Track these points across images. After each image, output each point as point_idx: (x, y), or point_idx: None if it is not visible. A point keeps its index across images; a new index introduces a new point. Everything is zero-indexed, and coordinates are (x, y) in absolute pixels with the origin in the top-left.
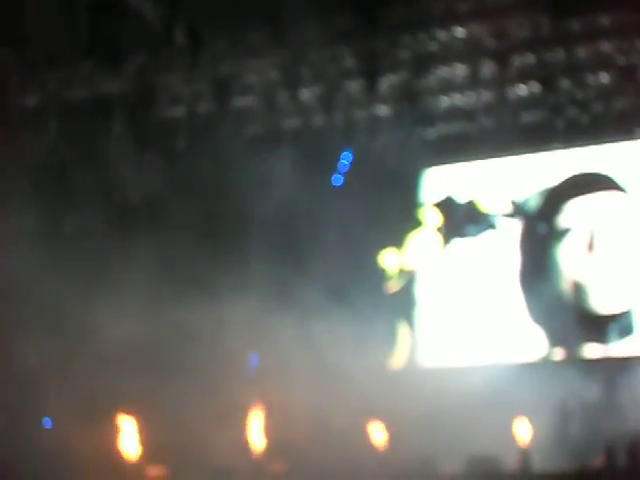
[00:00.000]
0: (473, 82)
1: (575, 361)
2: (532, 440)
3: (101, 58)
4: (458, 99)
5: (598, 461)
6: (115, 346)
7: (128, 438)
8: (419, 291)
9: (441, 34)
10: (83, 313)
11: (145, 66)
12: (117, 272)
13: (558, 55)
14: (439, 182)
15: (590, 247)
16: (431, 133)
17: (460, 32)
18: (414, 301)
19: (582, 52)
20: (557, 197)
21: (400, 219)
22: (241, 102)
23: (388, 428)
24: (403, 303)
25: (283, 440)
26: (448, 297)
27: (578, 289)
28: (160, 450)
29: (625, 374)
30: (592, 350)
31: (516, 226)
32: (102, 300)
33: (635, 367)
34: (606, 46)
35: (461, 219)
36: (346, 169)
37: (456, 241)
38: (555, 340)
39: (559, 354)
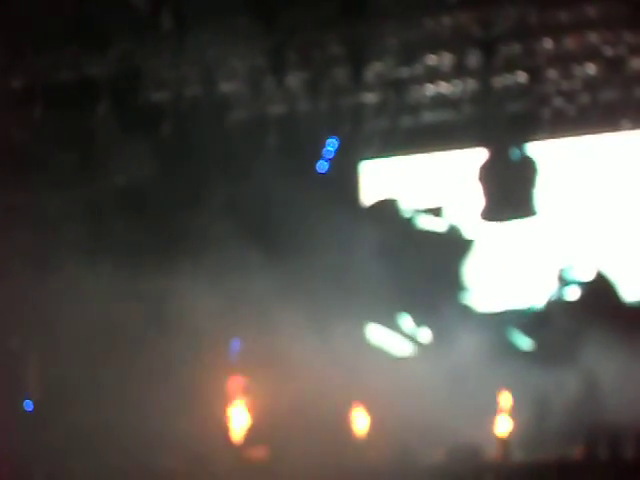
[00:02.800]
0: (459, 71)
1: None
2: (512, 430)
3: (87, 42)
4: (444, 88)
5: (578, 452)
6: (94, 331)
7: (108, 424)
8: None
9: (428, 22)
10: (65, 297)
11: (131, 50)
12: (98, 255)
13: (545, 45)
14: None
15: None
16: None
17: (447, 20)
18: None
19: (569, 43)
20: None
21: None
22: (227, 87)
23: (370, 417)
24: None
25: (264, 427)
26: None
27: None
28: (140, 437)
29: (606, 364)
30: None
31: None
32: (78, 284)
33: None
34: (593, 37)
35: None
36: (331, 156)
37: None
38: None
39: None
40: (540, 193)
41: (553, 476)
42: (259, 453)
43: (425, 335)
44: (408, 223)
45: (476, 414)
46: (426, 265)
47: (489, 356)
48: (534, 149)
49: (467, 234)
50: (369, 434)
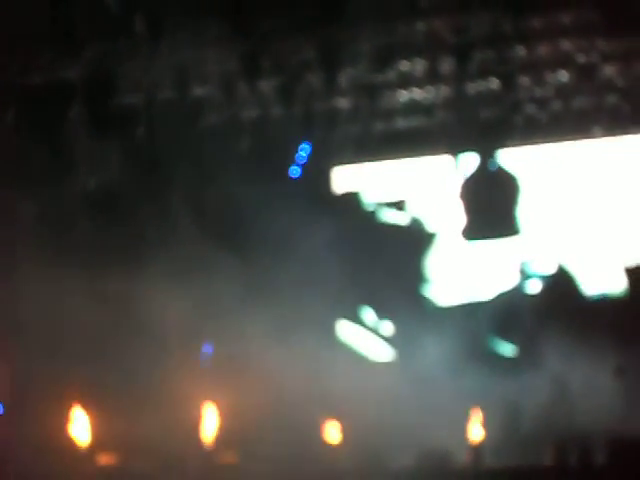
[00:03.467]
0: (432, 77)
1: None
2: (483, 436)
3: (60, 45)
4: (417, 93)
5: (548, 458)
6: (64, 333)
7: (78, 426)
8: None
9: (401, 28)
10: (33, 298)
11: (104, 53)
12: (66, 257)
13: (518, 52)
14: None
15: None
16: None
17: (420, 26)
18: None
19: (542, 50)
20: None
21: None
22: (200, 91)
23: (340, 422)
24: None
25: (234, 432)
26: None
27: None
28: (110, 438)
29: (576, 369)
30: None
31: None
32: (51, 286)
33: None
34: (566, 44)
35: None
36: (304, 161)
37: None
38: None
39: None
40: (522, 211)
41: None
42: (229, 457)
43: (387, 329)
44: (371, 216)
45: (446, 418)
46: (388, 258)
47: (457, 357)
48: (507, 156)
49: (429, 227)
50: (339, 438)
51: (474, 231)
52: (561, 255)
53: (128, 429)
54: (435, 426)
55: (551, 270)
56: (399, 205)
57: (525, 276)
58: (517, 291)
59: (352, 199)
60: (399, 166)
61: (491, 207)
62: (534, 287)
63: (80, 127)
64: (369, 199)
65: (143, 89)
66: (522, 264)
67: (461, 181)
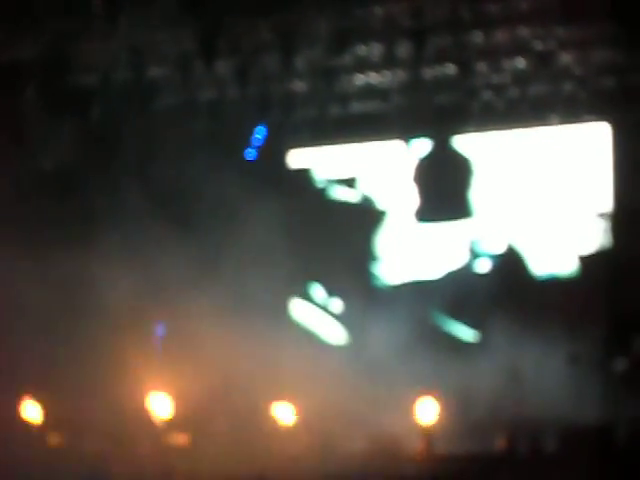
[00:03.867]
0: (389, 61)
1: None
2: (435, 422)
3: (17, 23)
4: (373, 78)
5: (500, 445)
6: (13, 313)
7: (29, 406)
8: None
9: (358, 11)
10: None
11: (60, 33)
12: (24, 240)
13: (475, 38)
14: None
15: None
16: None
17: (377, 10)
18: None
19: (499, 36)
20: None
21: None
22: (156, 72)
23: (294, 406)
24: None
25: (186, 413)
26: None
27: None
28: (61, 418)
29: (529, 358)
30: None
31: None
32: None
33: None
34: (523, 31)
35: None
36: (260, 143)
37: None
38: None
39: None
40: (474, 194)
41: (475, 468)
42: (180, 439)
43: (337, 306)
44: (322, 194)
45: (398, 402)
46: (339, 235)
47: (407, 337)
48: (463, 142)
49: (380, 206)
50: (289, 420)
51: (427, 213)
52: (511, 235)
53: (79, 410)
54: (387, 410)
55: (500, 250)
56: (350, 183)
57: (474, 255)
58: (466, 270)
59: (303, 177)
60: (354, 149)
61: (444, 190)
62: (483, 266)
63: (34, 106)
64: (320, 177)
65: (98, 69)
66: (472, 243)
67: (415, 164)
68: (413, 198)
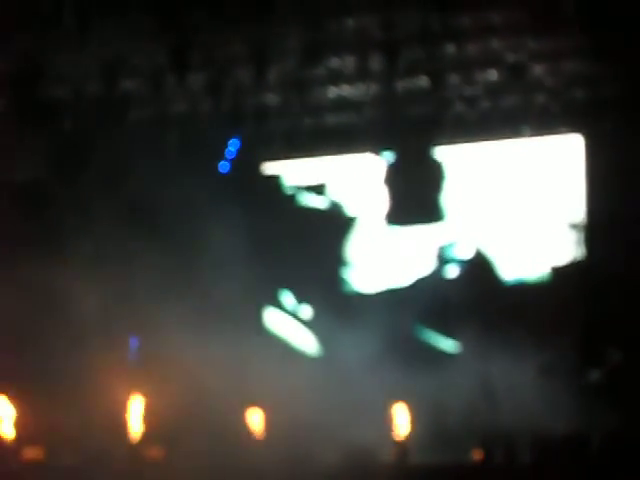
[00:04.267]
0: (361, 74)
1: None
2: (410, 433)
3: None
4: (346, 90)
5: (475, 455)
6: None
7: (3, 420)
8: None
9: (330, 24)
10: None
11: (33, 46)
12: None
13: (447, 50)
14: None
15: None
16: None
17: (349, 23)
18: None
19: (471, 48)
20: None
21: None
22: (128, 85)
23: (267, 418)
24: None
25: (160, 427)
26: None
27: None
28: (36, 432)
29: (503, 368)
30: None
31: None
32: None
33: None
34: (495, 43)
35: None
36: (232, 156)
37: None
38: None
39: None
40: (447, 198)
41: (449, 479)
42: (154, 452)
43: (308, 314)
44: (291, 201)
45: (371, 415)
46: (307, 242)
47: (379, 346)
48: (436, 154)
49: (349, 211)
50: (264, 434)
51: (397, 216)
52: (481, 242)
53: (53, 423)
54: (359, 420)
55: (470, 256)
56: (319, 190)
57: (444, 261)
58: (437, 277)
59: (275, 187)
60: (326, 161)
61: (414, 193)
62: (453, 272)
63: (5, 118)
64: (290, 186)
65: (70, 82)
66: (441, 249)
67: (386, 168)
68: (383, 201)
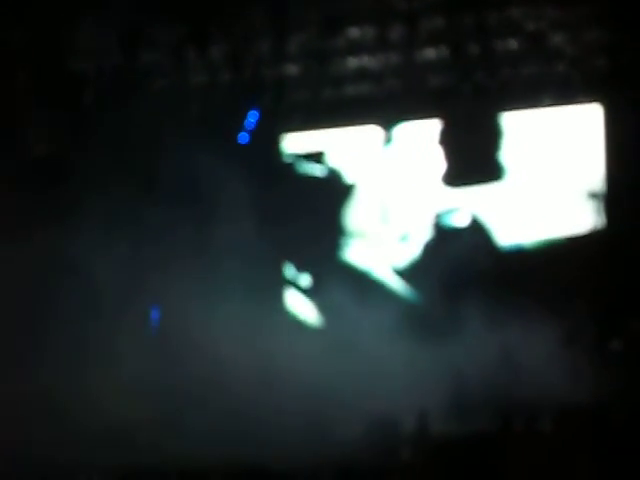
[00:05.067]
0: (382, 44)
1: None
2: (429, 404)
3: (5, 8)
4: (366, 61)
5: (495, 425)
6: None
7: None
8: None
9: None
10: None
11: (51, 18)
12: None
13: (467, 19)
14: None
15: None
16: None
17: None
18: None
19: (492, 17)
20: None
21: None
22: (148, 57)
23: (283, 390)
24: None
25: (179, 398)
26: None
27: None
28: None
29: (522, 338)
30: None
31: None
32: None
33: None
34: (515, 12)
35: None
36: (252, 127)
37: None
38: None
39: None
40: (506, 156)
41: (471, 449)
42: (173, 424)
43: (306, 281)
44: (289, 168)
45: (394, 386)
46: (306, 210)
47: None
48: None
49: (348, 179)
50: (283, 406)
51: (455, 177)
52: (474, 206)
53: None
54: (382, 394)
55: (465, 222)
56: (317, 157)
57: (440, 228)
58: (433, 244)
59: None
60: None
61: (473, 152)
62: (450, 238)
63: (25, 92)
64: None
65: (91, 55)
66: (437, 216)
67: (440, 126)
68: (440, 162)
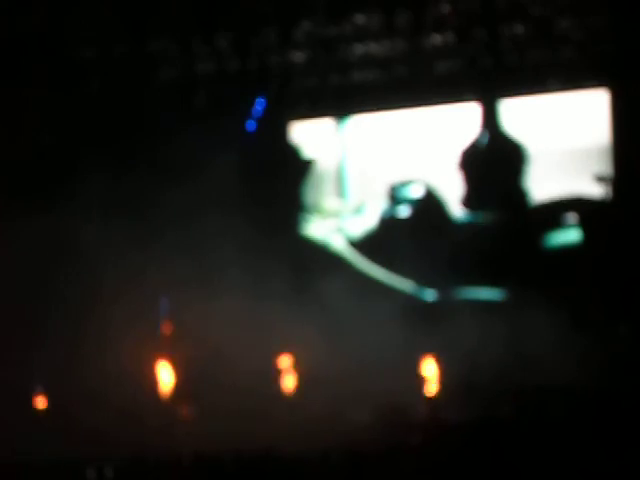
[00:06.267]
0: (388, 30)
1: None
2: (440, 389)
3: None
4: (373, 47)
5: (506, 410)
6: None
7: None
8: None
9: None
10: None
11: (58, 5)
12: (28, 214)
13: (473, 5)
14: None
15: None
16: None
17: None
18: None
19: (498, 2)
20: None
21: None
22: (155, 45)
23: (299, 375)
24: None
25: (191, 384)
26: None
27: None
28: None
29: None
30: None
31: None
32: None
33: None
34: None
35: None
36: (259, 115)
37: None
38: None
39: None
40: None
41: (481, 435)
42: (185, 410)
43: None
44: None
45: (403, 373)
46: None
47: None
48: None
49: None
50: (298, 392)
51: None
52: (429, 178)
53: (86, 382)
54: (394, 380)
55: (419, 194)
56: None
57: (395, 201)
58: (387, 216)
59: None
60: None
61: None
62: (403, 212)
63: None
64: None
65: (98, 42)
66: (392, 189)
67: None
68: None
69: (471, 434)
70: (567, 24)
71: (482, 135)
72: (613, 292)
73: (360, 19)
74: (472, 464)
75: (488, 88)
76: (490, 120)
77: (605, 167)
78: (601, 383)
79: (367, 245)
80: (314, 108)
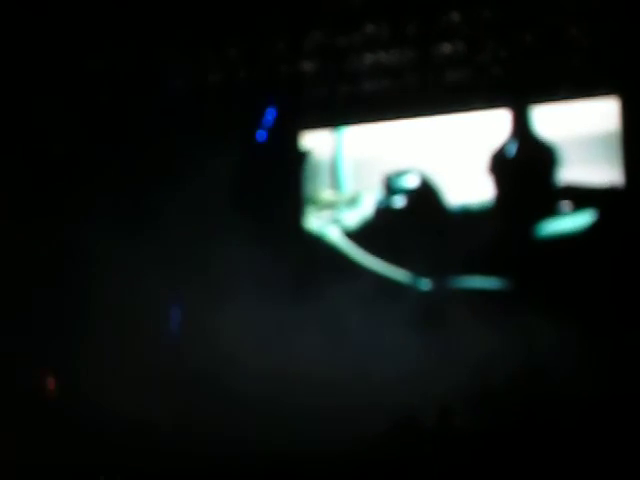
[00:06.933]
0: (398, 39)
1: None
2: (452, 397)
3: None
4: (383, 56)
5: (517, 417)
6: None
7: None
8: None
9: None
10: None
11: (68, 14)
12: (34, 224)
13: (484, 13)
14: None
15: None
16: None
17: None
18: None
19: (508, 10)
20: None
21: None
22: (164, 55)
23: (304, 387)
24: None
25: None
26: None
27: None
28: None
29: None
30: None
31: None
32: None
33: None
34: (532, 5)
35: None
36: (270, 125)
37: None
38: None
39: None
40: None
41: (494, 445)
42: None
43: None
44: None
45: (414, 381)
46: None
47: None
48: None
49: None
50: (303, 403)
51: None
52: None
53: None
54: (405, 388)
55: (415, 183)
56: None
57: (391, 191)
58: (383, 206)
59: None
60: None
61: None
62: (399, 202)
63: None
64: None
65: (107, 52)
66: (387, 179)
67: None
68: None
69: (484, 444)
70: (577, 31)
71: (511, 141)
72: (623, 298)
73: (369, 28)
74: (484, 473)
75: (507, 95)
76: (519, 127)
77: (615, 174)
78: (609, 391)
79: (364, 236)
80: (324, 117)
